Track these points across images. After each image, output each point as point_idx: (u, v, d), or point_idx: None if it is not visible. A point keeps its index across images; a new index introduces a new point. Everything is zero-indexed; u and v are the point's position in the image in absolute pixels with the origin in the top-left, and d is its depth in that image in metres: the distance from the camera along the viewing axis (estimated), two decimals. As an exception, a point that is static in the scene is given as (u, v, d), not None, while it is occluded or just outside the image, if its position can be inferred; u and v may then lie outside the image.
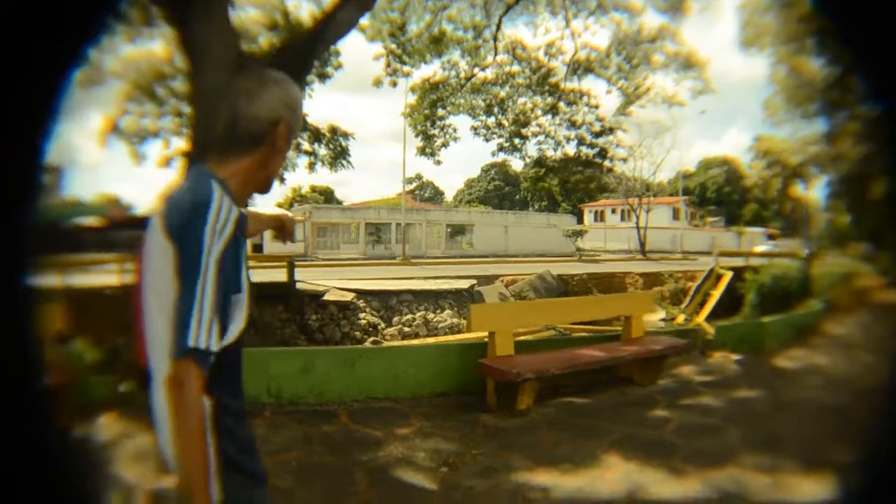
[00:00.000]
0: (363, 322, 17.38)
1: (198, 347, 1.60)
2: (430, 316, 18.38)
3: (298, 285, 18.23)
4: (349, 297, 18.10)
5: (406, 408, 6.89)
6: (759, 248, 43.00)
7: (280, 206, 50.80)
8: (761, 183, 28.40)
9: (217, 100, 7.11)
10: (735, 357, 9.67)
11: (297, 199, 66.01)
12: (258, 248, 39.82)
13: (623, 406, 7.13)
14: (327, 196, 70.96)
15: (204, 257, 1.63)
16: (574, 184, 24.06)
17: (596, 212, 63.92)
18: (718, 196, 68.42)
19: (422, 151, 22.76)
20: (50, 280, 8.27)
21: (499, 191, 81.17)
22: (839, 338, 11.70)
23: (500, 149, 23.02)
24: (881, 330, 12.13)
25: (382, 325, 17.61)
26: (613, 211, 59.56)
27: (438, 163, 23.88)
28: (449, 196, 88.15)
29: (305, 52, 9.81)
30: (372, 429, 6.10)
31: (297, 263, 30.62)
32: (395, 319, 18.04)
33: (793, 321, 11.95)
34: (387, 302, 18.66)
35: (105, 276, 11.53)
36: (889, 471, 1.84)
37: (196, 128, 8.38)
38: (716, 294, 23.78)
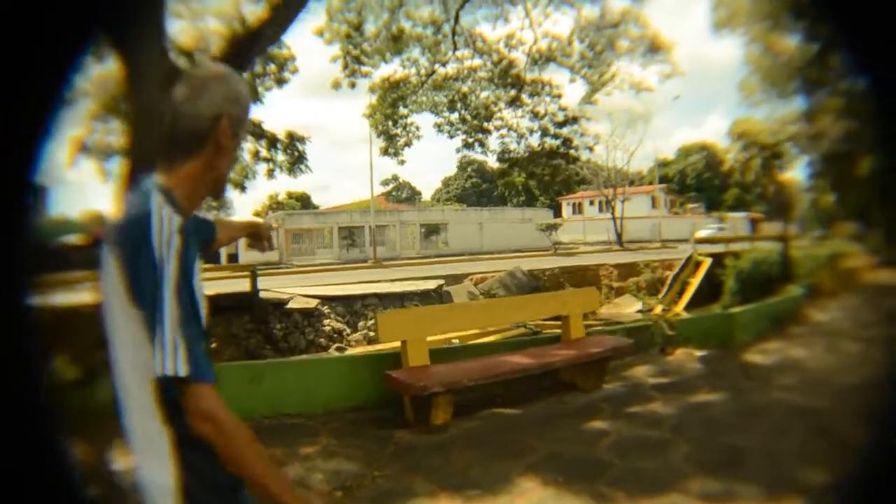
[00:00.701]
0: (328, 328, 17.09)
1: (176, 375, 1.52)
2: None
3: (262, 294, 17.76)
4: (313, 303, 17.76)
5: (318, 424, 6.44)
6: (702, 233, 42.97)
7: (257, 213, 50.60)
8: (738, 166, 27.96)
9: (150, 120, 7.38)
10: (699, 354, 8.98)
11: (274, 205, 65.57)
12: (233, 257, 39.36)
13: (557, 418, 6.48)
14: (304, 202, 70.64)
15: (159, 279, 1.55)
16: (540, 176, 23.62)
17: (574, 204, 63.55)
18: (698, 182, 68.21)
19: (384, 151, 22.60)
20: (37, 299, 7.89)
21: (476, 188, 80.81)
22: (821, 326, 11.04)
23: (465, 145, 22.67)
24: (869, 314, 11.46)
25: (348, 330, 17.28)
26: (591, 203, 59.21)
27: (402, 162, 23.47)
28: (427, 195, 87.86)
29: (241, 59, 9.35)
30: (275, 447, 5.57)
31: (271, 271, 30.76)
32: (361, 324, 17.65)
33: (768, 310, 11.27)
34: (352, 307, 18.27)
35: (89, 293, 10.99)
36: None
37: (133, 147, 7.96)
38: (694, 282, 23.35)
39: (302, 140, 18.08)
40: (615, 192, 44.24)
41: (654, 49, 19.43)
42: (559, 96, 21.05)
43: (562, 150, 21.95)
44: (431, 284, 20.48)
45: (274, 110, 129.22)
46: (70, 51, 1.72)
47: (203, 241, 2.09)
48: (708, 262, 23.51)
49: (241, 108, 1.84)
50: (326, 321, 17.35)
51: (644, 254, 31.26)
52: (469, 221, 48.08)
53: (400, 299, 18.93)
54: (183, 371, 1.52)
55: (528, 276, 22.73)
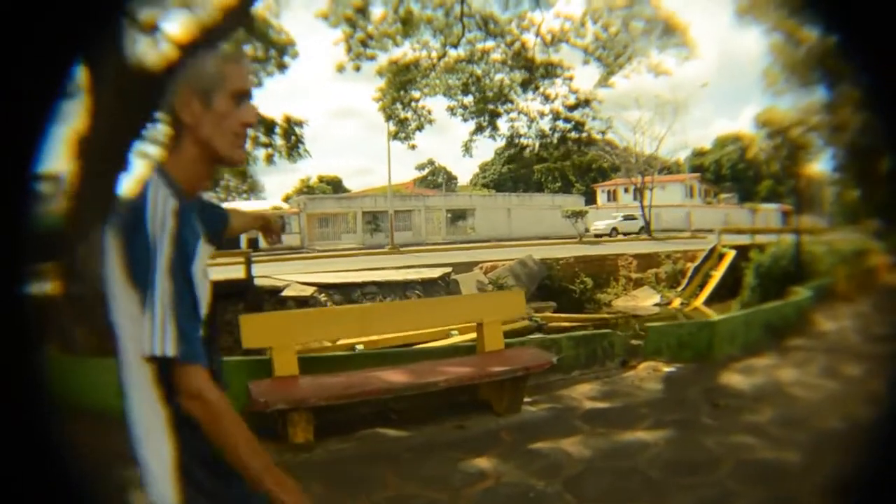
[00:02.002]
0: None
1: (164, 354, 1.55)
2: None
3: (258, 281, 17.55)
4: (309, 291, 17.27)
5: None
6: (597, 225, 42.59)
7: (288, 197, 50.32)
8: (763, 156, 26.87)
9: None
10: (667, 370, 7.77)
11: (305, 189, 65.45)
12: (254, 242, 39.13)
13: (442, 448, 5.44)
14: (335, 185, 70.29)
15: (152, 255, 1.59)
16: (552, 161, 23.09)
17: (609, 191, 62.33)
18: (733, 173, 66.77)
19: (395, 136, 22.03)
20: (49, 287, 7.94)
21: (513, 173, 79.92)
22: (826, 338, 9.65)
23: (477, 129, 22.02)
24: (881, 324, 9.67)
25: (342, 319, 16.56)
26: (626, 190, 57.78)
27: (413, 147, 22.70)
28: (467, 180, 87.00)
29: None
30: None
31: (286, 256, 30.50)
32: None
33: (764, 317, 9.92)
34: (349, 295, 17.70)
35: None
36: None
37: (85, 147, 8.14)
38: (717, 275, 22.59)
39: (300, 124, 17.48)
40: (643, 180, 42.98)
41: (669, 31, 18.50)
42: (570, 78, 20.33)
43: (572, 134, 21.09)
44: (435, 273, 19.81)
45: (308, 94, 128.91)
46: (78, 32, 1.70)
47: (213, 229, 2.04)
48: (732, 254, 22.68)
49: (202, 75, 1.78)
50: None
51: (671, 244, 30.08)
52: (497, 207, 47.34)
53: (401, 288, 18.41)
54: (171, 350, 1.55)
55: (540, 265, 21.97)
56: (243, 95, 1.82)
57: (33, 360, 1.65)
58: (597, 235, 39.96)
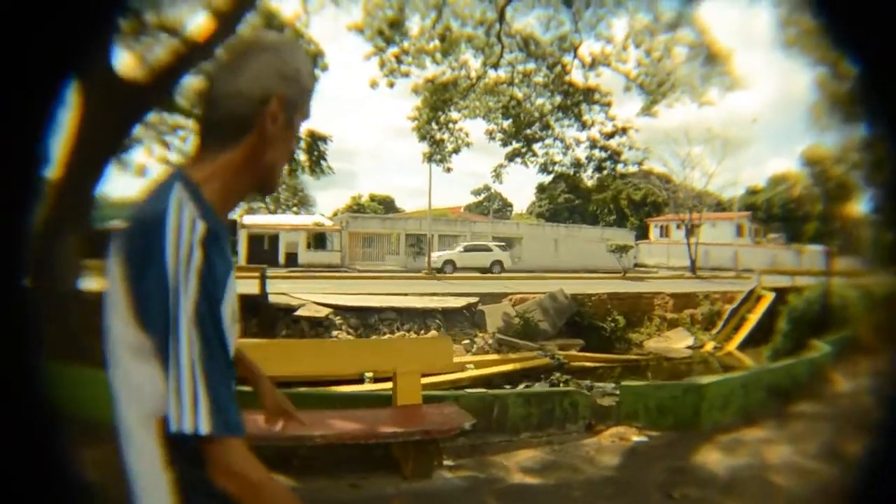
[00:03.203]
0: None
1: (197, 432, 1.23)
2: (412, 337, 16.91)
3: (273, 298, 17.31)
4: (324, 312, 17.07)
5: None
6: (438, 254, 37.87)
7: (337, 213, 50.17)
8: (806, 195, 25.74)
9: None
10: (636, 439, 6.76)
11: (356, 207, 65.67)
12: (292, 257, 38.93)
13: None
14: (387, 205, 70.34)
15: (171, 307, 1.25)
16: (587, 192, 22.47)
17: (661, 227, 61.16)
18: (783, 212, 65.07)
19: (429, 157, 21.45)
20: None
21: (569, 203, 79.24)
22: (837, 401, 8.64)
23: (515, 154, 21.33)
24: None
25: (356, 343, 16.20)
26: (678, 226, 56.78)
27: (449, 170, 22.08)
28: (522, 208, 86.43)
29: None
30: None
31: (324, 274, 30.32)
32: (374, 338, 16.63)
33: (767, 378, 8.87)
34: (366, 319, 17.51)
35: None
36: None
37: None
38: (753, 318, 21.56)
39: (324, 139, 17.09)
40: (691, 216, 41.82)
41: (712, 58, 17.65)
42: (609, 105, 19.50)
43: (608, 164, 20.30)
44: (459, 302, 19.37)
45: (363, 111, 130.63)
46: (85, 32, 1.74)
47: None
48: (770, 296, 21.70)
49: (297, 87, 1.51)
50: (335, 332, 16.67)
51: (714, 283, 28.93)
52: (544, 237, 46.67)
53: (421, 316, 18.13)
54: (205, 427, 1.24)
55: (570, 300, 21.09)
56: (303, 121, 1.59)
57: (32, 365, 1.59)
58: (437, 270, 35.49)
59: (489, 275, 34.91)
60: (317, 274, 30.92)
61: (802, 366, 9.67)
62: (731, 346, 20.80)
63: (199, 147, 1.50)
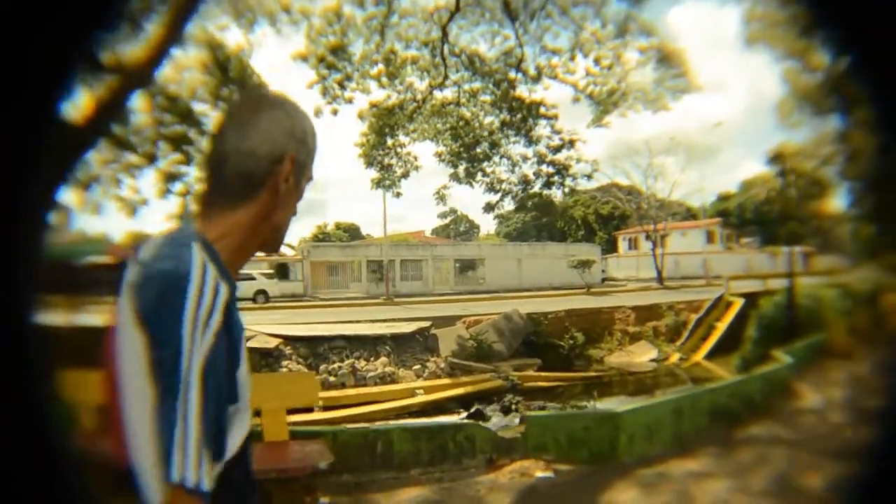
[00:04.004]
0: (284, 371, 15.86)
1: (183, 484, 1.23)
2: (361, 364, 16.70)
3: None
4: (274, 343, 16.71)
5: None
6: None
7: (304, 242, 49.61)
8: (775, 194, 25.49)
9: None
10: (539, 475, 6.16)
11: (321, 236, 65.28)
12: (262, 292, 38.14)
13: None
14: (352, 233, 69.92)
15: (184, 361, 1.24)
16: (533, 209, 22.13)
17: (630, 239, 61.10)
18: (757, 216, 65.38)
19: (377, 183, 20.93)
20: (57, 319, 7.53)
21: (536, 221, 79.24)
22: (799, 421, 7.79)
23: (460, 176, 20.79)
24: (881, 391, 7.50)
25: (306, 374, 15.77)
26: (647, 237, 56.93)
27: (398, 195, 21.59)
28: (490, 229, 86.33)
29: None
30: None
31: (291, 305, 29.66)
32: (323, 367, 16.41)
33: (709, 400, 8.00)
34: (316, 349, 17.13)
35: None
36: None
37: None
38: (721, 326, 21.13)
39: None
40: (655, 226, 41.71)
41: (665, 60, 17.33)
42: (555, 117, 19.11)
43: (555, 178, 19.89)
44: (411, 327, 18.90)
45: (328, 140, 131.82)
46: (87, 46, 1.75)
47: None
48: (739, 303, 21.34)
49: (306, 148, 1.53)
50: (285, 362, 16.33)
51: (682, 293, 28.60)
52: (507, 257, 46.17)
53: (372, 343, 17.66)
54: (206, 485, 1.26)
55: (526, 321, 20.65)
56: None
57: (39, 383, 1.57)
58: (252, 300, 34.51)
59: (448, 296, 34.76)
60: (276, 304, 30.76)
61: (755, 382, 8.99)
62: (699, 356, 20.35)
63: (205, 203, 1.48)
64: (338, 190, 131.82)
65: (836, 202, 22.06)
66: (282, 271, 40.32)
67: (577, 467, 6.32)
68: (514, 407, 14.60)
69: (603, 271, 49.23)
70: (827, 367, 9.91)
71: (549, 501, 5.55)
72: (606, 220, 66.21)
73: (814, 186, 21.28)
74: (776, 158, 23.61)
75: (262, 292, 34.69)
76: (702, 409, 7.75)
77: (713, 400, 8.07)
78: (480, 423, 7.55)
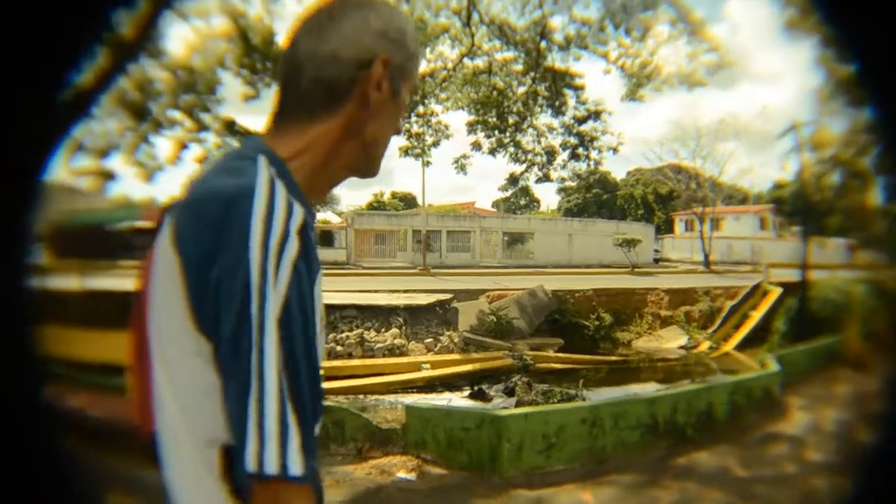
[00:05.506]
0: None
1: (266, 473, 0.94)
2: (370, 335, 16.39)
3: None
4: None
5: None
6: None
7: (354, 212, 50.01)
8: (812, 182, 24.31)
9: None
10: (401, 476, 5.55)
11: (376, 204, 65.23)
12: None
13: None
14: (407, 202, 69.73)
15: (254, 306, 0.95)
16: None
17: (686, 220, 59.80)
18: (800, 204, 63.76)
19: (406, 152, 20.67)
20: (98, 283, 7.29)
21: (597, 198, 78.15)
22: (768, 448, 6.58)
23: (498, 145, 20.44)
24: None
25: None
26: (702, 220, 55.79)
27: (428, 163, 21.34)
28: (552, 203, 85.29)
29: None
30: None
31: (329, 272, 29.65)
32: (331, 336, 16.17)
33: (644, 411, 6.71)
34: (326, 317, 16.44)
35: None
36: None
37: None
38: (756, 315, 20.19)
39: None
40: (704, 209, 40.59)
41: (693, 33, 16.54)
42: (581, 88, 18.50)
43: (580, 150, 19.31)
44: (429, 299, 18.58)
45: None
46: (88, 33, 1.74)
47: None
48: (777, 291, 20.34)
49: (404, 50, 1.27)
50: None
51: (727, 278, 27.56)
52: (557, 232, 45.34)
53: (385, 313, 17.38)
54: (298, 470, 0.96)
55: (551, 298, 20.06)
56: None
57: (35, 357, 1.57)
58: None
59: (494, 269, 34.18)
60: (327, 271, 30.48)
61: (718, 392, 7.70)
62: (729, 345, 19.49)
63: (277, 121, 1.24)
64: (404, 159, 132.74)
65: (874, 195, 20.91)
66: (326, 238, 40.48)
67: (452, 474, 5.54)
68: (516, 389, 14.13)
69: (657, 251, 48.12)
70: (832, 377, 8.87)
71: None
72: (665, 199, 64.99)
73: (854, 178, 20.17)
74: (814, 145, 22.46)
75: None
76: (629, 423, 6.66)
77: (650, 412, 6.87)
78: (350, 409, 6.65)
